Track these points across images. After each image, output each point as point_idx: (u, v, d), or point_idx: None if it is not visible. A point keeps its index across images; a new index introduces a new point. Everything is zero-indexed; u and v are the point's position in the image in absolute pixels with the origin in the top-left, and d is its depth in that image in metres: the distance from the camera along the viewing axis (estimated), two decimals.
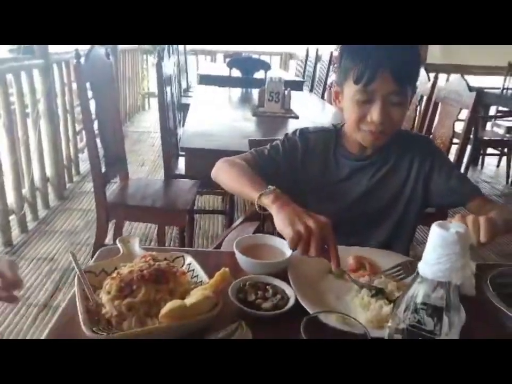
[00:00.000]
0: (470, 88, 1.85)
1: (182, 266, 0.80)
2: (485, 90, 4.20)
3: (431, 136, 2.17)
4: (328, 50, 4.27)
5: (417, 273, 0.47)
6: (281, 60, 6.88)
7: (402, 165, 1.07)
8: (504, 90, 4.62)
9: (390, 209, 1.08)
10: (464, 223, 0.75)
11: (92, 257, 1.89)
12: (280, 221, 0.77)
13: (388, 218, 1.09)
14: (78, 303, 0.65)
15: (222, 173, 1.03)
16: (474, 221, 0.75)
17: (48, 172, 3.01)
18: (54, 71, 3.04)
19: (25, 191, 2.68)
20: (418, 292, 0.48)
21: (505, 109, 4.57)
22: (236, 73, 3.94)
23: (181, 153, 2.53)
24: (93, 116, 1.90)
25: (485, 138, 4.10)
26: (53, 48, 2.94)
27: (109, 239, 2.10)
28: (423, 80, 2.40)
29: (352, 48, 0.98)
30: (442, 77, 4.36)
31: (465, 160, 3.62)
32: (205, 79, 4.02)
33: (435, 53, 5.02)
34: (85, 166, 3.71)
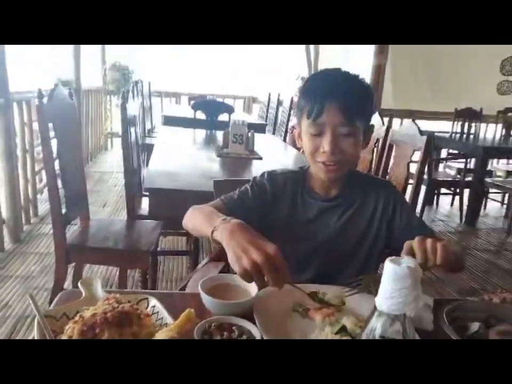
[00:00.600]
0: (421, 132, 1.98)
1: (146, 308, 0.79)
2: (436, 133, 4.50)
3: (387, 176, 2.28)
4: (289, 95, 4.47)
5: (375, 307, 0.50)
6: (245, 103, 7.09)
7: (367, 207, 1.14)
8: (453, 134, 4.95)
9: (357, 248, 1.13)
10: (423, 246, 0.83)
11: (50, 302, 1.81)
12: (229, 257, 0.78)
13: (355, 256, 1.13)
14: None
15: (186, 219, 1.07)
16: (432, 244, 0.82)
17: (4, 213, 2.89)
18: (14, 110, 3.00)
19: None
20: (376, 325, 0.50)
21: (454, 151, 4.88)
22: (201, 115, 4.03)
23: (144, 193, 2.52)
24: (54, 156, 1.88)
25: (438, 179, 4.34)
26: (13, 87, 2.92)
27: (68, 284, 2.02)
28: (378, 124, 2.55)
29: (306, 88, 1.07)
30: (396, 121, 4.65)
31: (421, 199, 3.81)
32: (170, 120, 4.07)
33: (388, 99, 5.35)
34: (43, 207, 3.60)
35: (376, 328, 0.50)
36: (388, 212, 1.13)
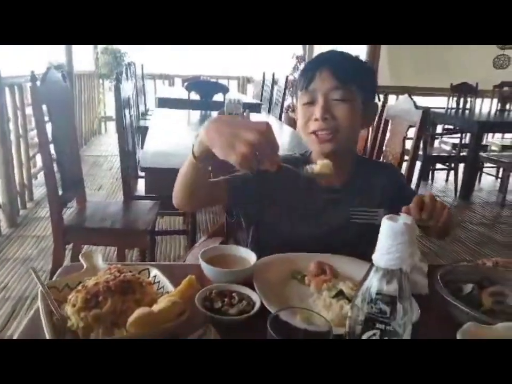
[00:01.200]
0: (417, 107, 1.98)
1: (148, 278, 0.80)
2: (432, 109, 4.49)
3: (382, 152, 2.29)
4: (284, 74, 4.43)
5: (372, 264, 0.51)
6: (239, 84, 7.02)
7: (374, 194, 1.09)
8: (448, 110, 4.95)
9: (363, 234, 1.04)
10: (433, 203, 0.84)
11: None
12: (219, 151, 0.71)
13: (361, 241, 1.04)
14: (42, 317, 0.64)
15: (174, 190, 0.98)
16: (441, 204, 0.86)
17: (0, 198, 2.89)
18: (6, 94, 2.96)
19: None
20: (373, 282, 0.51)
21: (450, 126, 4.88)
22: (195, 96, 3.99)
23: (139, 175, 2.52)
24: (49, 139, 1.87)
25: (434, 154, 4.35)
26: (5, 72, 2.88)
27: (66, 265, 2.03)
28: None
29: (303, 66, 1.07)
30: (392, 98, 4.63)
31: (416, 175, 3.83)
32: (164, 102, 4.04)
33: (384, 76, 5.32)
34: (39, 191, 3.59)
35: (373, 284, 0.51)
36: (394, 193, 1.10)
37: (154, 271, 0.81)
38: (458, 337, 0.63)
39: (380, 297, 0.51)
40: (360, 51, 5.19)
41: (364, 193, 1.09)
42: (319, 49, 6.29)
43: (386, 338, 0.51)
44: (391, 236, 0.49)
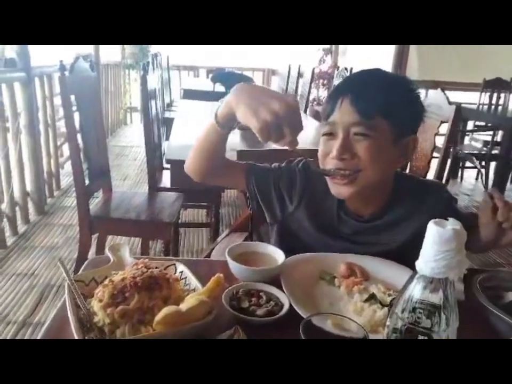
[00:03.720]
0: (450, 102, 1.90)
1: (174, 274, 0.79)
2: (463, 105, 4.35)
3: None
4: (309, 67, 4.35)
5: (415, 271, 0.48)
6: (264, 76, 6.97)
7: (414, 220, 0.95)
8: (480, 106, 4.78)
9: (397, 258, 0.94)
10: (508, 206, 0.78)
11: (75, 272, 1.85)
12: (242, 114, 0.69)
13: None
14: (69, 312, 0.63)
15: (188, 158, 0.95)
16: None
17: (29, 186, 2.95)
18: (36, 84, 3.01)
19: (5, 206, 2.62)
20: (415, 290, 0.48)
21: (481, 123, 4.72)
22: (220, 88, 3.97)
23: (165, 166, 2.52)
24: (77, 129, 1.88)
25: (464, 151, 4.21)
26: (34, 62, 2.92)
27: (91, 254, 2.06)
28: None
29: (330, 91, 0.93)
30: (421, 92, 4.50)
31: (445, 173, 3.72)
32: (189, 94, 4.04)
33: (413, 69, 5.18)
34: (66, 180, 3.66)
35: (415, 293, 0.48)
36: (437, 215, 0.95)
37: (181, 267, 0.80)
38: None
39: (423, 307, 0.48)
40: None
41: (402, 221, 0.95)
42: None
43: None
44: (437, 242, 0.45)
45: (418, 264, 0.47)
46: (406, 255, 0.82)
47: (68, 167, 3.64)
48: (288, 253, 0.89)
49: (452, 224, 0.46)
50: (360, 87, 0.86)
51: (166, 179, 2.49)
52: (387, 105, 0.84)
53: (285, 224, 1.03)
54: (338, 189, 0.89)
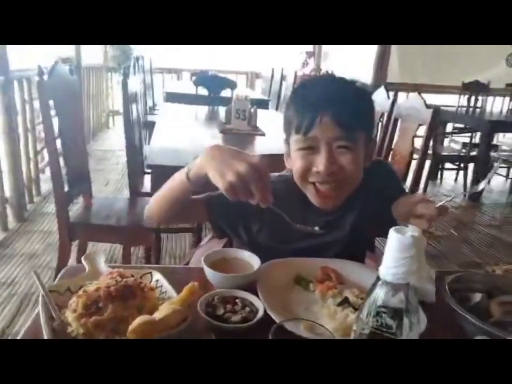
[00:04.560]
0: (427, 105, 1.95)
1: (150, 282, 0.79)
2: (442, 107, 4.43)
3: (391, 151, 2.26)
4: (292, 70, 4.39)
5: (378, 277, 0.50)
6: (247, 79, 6.98)
7: (369, 196, 0.99)
8: (459, 108, 4.88)
9: (365, 233, 1.04)
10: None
11: (55, 280, 1.83)
12: (211, 175, 0.74)
13: (364, 242, 1.08)
14: (42, 323, 0.63)
15: (150, 204, 0.99)
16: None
17: (8, 192, 2.90)
18: (15, 88, 2.97)
19: None
20: (379, 295, 0.50)
21: (460, 125, 4.82)
22: (203, 91, 3.97)
23: (146, 171, 2.51)
24: (56, 134, 1.87)
25: (443, 153, 4.30)
26: (13, 65, 2.88)
27: (72, 261, 2.03)
28: (384, 98, 2.51)
29: (294, 98, 0.95)
30: (402, 95, 4.58)
31: (425, 174, 3.79)
32: (172, 97, 4.03)
33: (394, 73, 5.25)
34: (46, 186, 3.60)
35: (379, 298, 0.50)
36: (383, 188, 0.99)
37: (156, 275, 0.80)
38: None
39: (386, 311, 0.50)
40: (370, 47, 5.13)
41: (361, 205, 0.99)
42: (328, 45, 6.22)
43: None
44: (398, 249, 0.47)
45: (381, 270, 0.49)
46: (363, 230, 0.97)
47: (49, 172, 3.58)
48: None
49: (411, 231, 0.47)
50: (337, 101, 0.88)
51: (148, 183, 2.48)
52: (363, 116, 0.91)
53: (253, 241, 1.03)
54: (321, 202, 0.93)
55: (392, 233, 0.47)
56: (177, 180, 0.87)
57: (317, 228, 0.84)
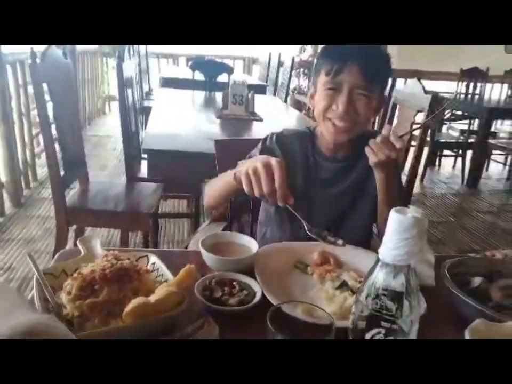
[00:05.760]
0: (426, 91, 1.92)
1: (146, 265, 0.78)
2: (440, 94, 4.40)
3: None
4: (290, 56, 4.33)
5: (378, 259, 0.49)
6: (244, 64, 6.91)
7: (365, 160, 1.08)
8: (457, 95, 4.85)
9: (365, 201, 1.12)
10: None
11: None
12: (239, 172, 0.87)
13: (364, 208, 1.13)
14: (37, 305, 0.62)
15: (206, 191, 1.11)
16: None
17: (3, 178, 2.88)
18: (8, 72, 2.92)
19: None
20: (379, 277, 0.49)
21: (458, 112, 4.80)
22: (199, 76, 3.93)
23: (143, 156, 2.49)
24: (51, 119, 1.84)
25: (441, 140, 4.29)
26: (6, 48, 2.83)
27: (69, 246, 2.03)
28: None
29: (328, 48, 1.06)
30: (400, 81, 4.54)
31: (423, 161, 3.78)
32: (168, 82, 3.98)
33: (393, 59, 5.20)
34: (42, 171, 3.58)
35: (378, 280, 0.49)
36: None
37: (153, 258, 0.79)
38: (467, 335, 0.61)
39: (386, 293, 0.49)
40: None
41: (363, 163, 1.10)
42: None
43: (391, 336, 0.49)
44: (398, 230, 0.46)
45: (381, 251, 0.48)
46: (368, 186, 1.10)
47: (45, 157, 3.56)
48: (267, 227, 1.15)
49: (413, 211, 0.46)
50: (365, 55, 1.00)
51: (144, 169, 2.45)
52: (383, 71, 1.05)
53: None
54: (336, 136, 1.04)
55: (393, 214, 0.46)
56: (226, 178, 0.98)
57: (325, 233, 0.89)
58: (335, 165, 1.12)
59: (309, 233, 0.86)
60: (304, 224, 0.86)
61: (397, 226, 0.45)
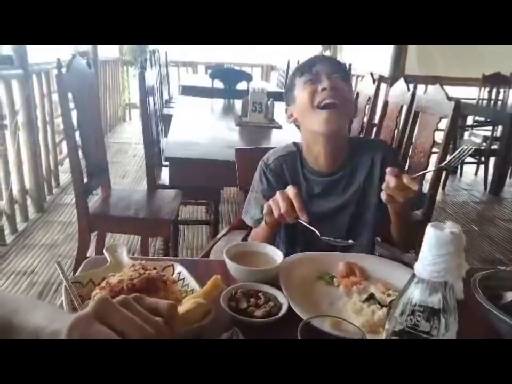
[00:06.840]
0: (449, 98, 1.89)
1: (172, 275, 0.78)
2: (462, 100, 4.33)
3: (411, 145, 2.21)
4: None
5: (413, 274, 0.48)
6: (263, 71, 6.94)
7: (365, 171, 1.13)
8: (480, 101, 4.76)
9: (362, 210, 1.13)
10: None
11: (74, 270, 1.84)
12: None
13: (361, 218, 1.14)
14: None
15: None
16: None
17: (27, 184, 2.94)
18: (34, 81, 2.99)
19: (3, 203, 2.62)
20: (414, 293, 0.48)
21: (481, 118, 4.71)
22: (218, 84, 3.96)
23: (164, 163, 2.52)
24: (74, 126, 1.87)
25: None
26: (32, 59, 2.90)
27: (91, 251, 2.05)
28: (403, 90, 2.45)
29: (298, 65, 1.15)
30: (420, 88, 4.48)
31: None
32: (187, 90, 4.02)
33: (412, 64, 5.15)
34: (65, 178, 3.65)
35: (413, 297, 0.48)
36: (381, 169, 1.10)
37: (179, 268, 0.80)
38: None
39: (422, 310, 0.48)
40: None
41: (357, 172, 1.13)
42: None
43: None
44: (436, 246, 0.45)
45: (417, 267, 0.47)
46: (364, 198, 1.12)
47: (67, 164, 3.63)
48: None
49: (450, 227, 0.45)
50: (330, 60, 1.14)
51: (165, 176, 2.48)
52: (347, 78, 1.12)
53: None
54: (328, 123, 1.05)
55: (430, 229, 0.45)
56: (260, 228, 1.06)
57: (338, 240, 0.92)
58: (326, 179, 1.13)
59: (322, 238, 0.89)
60: (316, 231, 0.89)
61: (434, 241, 0.44)
